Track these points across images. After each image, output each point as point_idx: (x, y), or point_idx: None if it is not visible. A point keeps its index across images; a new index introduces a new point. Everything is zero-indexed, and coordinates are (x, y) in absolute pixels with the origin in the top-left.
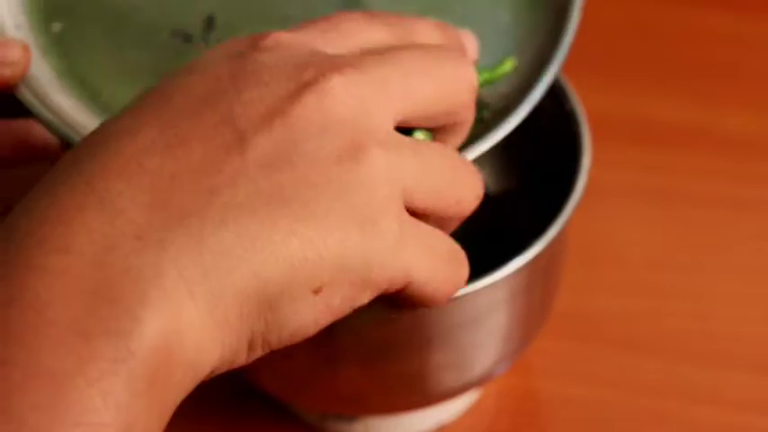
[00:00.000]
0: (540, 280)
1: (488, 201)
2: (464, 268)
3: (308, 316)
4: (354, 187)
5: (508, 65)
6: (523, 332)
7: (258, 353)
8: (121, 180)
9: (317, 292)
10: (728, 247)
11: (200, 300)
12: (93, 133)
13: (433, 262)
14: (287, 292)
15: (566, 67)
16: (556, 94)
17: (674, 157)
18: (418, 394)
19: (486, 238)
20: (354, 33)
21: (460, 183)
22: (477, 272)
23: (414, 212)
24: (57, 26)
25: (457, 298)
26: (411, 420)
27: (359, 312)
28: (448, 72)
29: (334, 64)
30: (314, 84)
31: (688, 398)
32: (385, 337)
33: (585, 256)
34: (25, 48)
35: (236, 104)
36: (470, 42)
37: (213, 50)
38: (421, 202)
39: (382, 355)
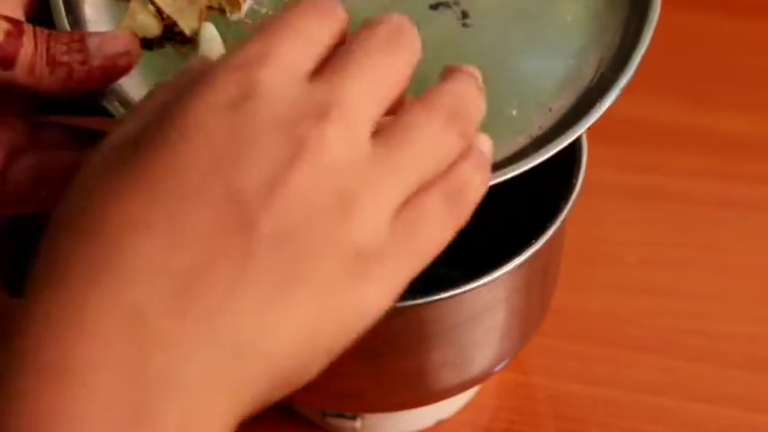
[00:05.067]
0: (538, 278)
1: (486, 200)
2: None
3: (316, 371)
4: (351, 246)
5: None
6: (521, 330)
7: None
8: (143, 287)
9: (329, 353)
10: (724, 246)
11: (223, 402)
12: (92, 221)
13: (424, 259)
14: (303, 366)
15: None
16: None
17: (670, 157)
18: (417, 392)
19: (485, 236)
20: (316, 38)
21: (449, 166)
22: (475, 270)
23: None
24: None
25: (455, 296)
26: (410, 417)
27: None
28: (397, 60)
29: (321, 110)
30: (308, 142)
31: (685, 395)
32: (384, 334)
33: (582, 255)
34: (135, 36)
35: (237, 178)
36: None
37: (198, 98)
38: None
39: (381, 353)
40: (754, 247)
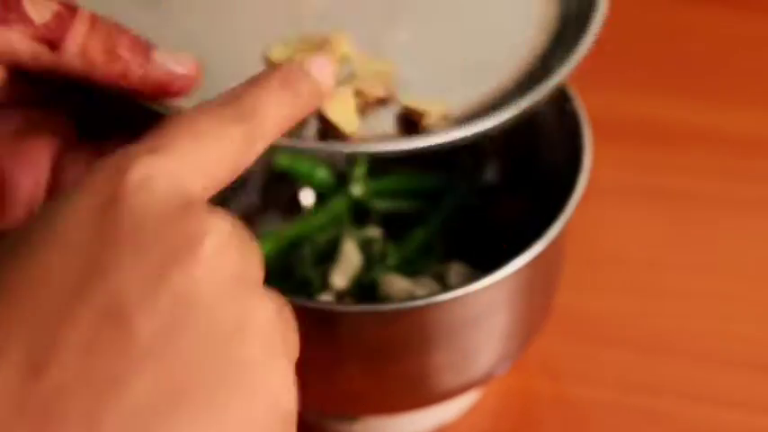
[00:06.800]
0: (541, 280)
1: (489, 201)
2: None
3: None
4: (246, 360)
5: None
6: (523, 332)
7: None
8: None
9: None
10: (728, 247)
11: None
12: None
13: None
14: None
15: None
16: (557, 94)
17: (675, 157)
18: (418, 394)
19: (486, 237)
20: (213, 146)
21: None
22: (477, 271)
23: None
24: None
25: (458, 297)
26: (411, 420)
27: (359, 312)
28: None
29: (206, 221)
30: (190, 248)
31: (688, 397)
32: (385, 336)
33: (585, 256)
34: (199, 64)
35: (117, 285)
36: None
37: (73, 197)
38: None
39: (382, 355)
40: (761, 247)
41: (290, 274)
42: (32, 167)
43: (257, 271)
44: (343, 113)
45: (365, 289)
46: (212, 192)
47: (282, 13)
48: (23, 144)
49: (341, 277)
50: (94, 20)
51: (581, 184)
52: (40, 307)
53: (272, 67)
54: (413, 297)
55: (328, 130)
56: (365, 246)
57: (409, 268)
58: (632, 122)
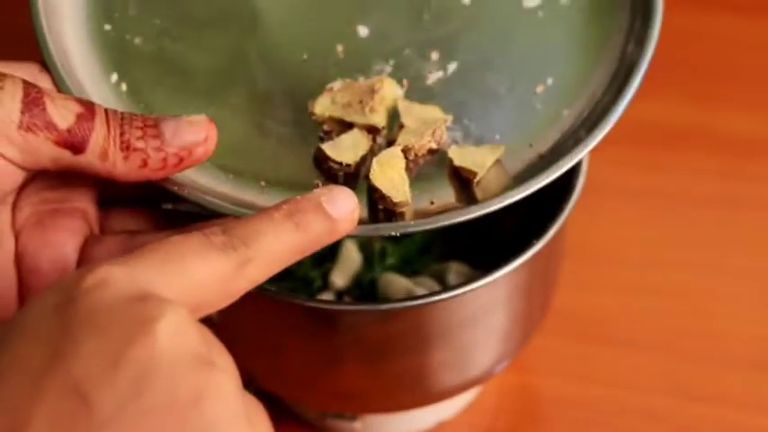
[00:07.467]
0: (539, 279)
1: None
2: None
3: None
4: (208, 425)
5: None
6: (522, 331)
7: None
8: None
9: None
10: (726, 246)
11: None
12: None
13: None
14: None
15: None
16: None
17: (673, 157)
18: (418, 392)
19: (486, 237)
20: (191, 266)
21: None
22: (477, 271)
23: None
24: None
25: (456, 296)
26: (410, 418)
27: (359, 311)
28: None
29: (162, 305)
30: (145, 328)
31: (686, 396)
32: (384, 335)
33: (584, 255)
34: (212, 121)
35: (75, 366)
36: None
37: (37, 300)
38: None
39: (382, 354)
40: (757, 247)
41: (289, 273)
42: (57, 254)
43: (219, 356)
44: (391, 180)
45: (365, 288)
46: (201, 313)
47: (319, 57)
48: (47, 231)
49: (341, 277)
50: (109, 115)
51: (580, 184)
52: (11, 388)
53: (319, 120)
54: (412, 296)
55: (377, 199)
56: (365, 245)
57: (409, 268)
58: (631, 122)
